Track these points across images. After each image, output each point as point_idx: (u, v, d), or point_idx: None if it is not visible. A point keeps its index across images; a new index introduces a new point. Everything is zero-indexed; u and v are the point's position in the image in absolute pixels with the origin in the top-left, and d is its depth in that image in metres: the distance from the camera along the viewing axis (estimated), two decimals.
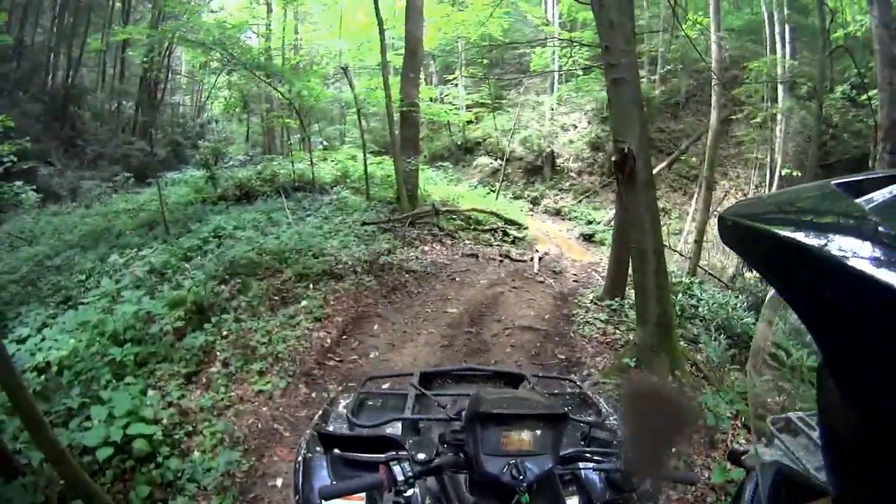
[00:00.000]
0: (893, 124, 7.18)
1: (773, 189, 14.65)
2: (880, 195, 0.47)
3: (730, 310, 7.30)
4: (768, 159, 15.31)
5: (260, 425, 4.42)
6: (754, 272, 9.75)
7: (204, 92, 28.15)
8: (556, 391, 2.37)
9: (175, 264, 7.56)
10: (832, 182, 0.53)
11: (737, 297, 8.20)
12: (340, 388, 2.47)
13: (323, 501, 1.42)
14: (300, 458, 1.71)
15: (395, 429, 1.78)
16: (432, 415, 1.82)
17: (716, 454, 4.22)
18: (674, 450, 1.93)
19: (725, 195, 15.90)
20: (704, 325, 7.03)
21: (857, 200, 0.48)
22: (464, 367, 2.54)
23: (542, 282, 8.73)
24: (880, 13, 7.26)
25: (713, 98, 11.54)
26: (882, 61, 7.24)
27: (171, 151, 24.16)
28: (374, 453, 1.49)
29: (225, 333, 5.62)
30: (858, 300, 0.41)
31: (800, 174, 14.09)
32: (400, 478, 1.34)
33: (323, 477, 1.58)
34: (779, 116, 15.14)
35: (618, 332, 6.60)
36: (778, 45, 15.57)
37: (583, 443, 1.75)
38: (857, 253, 0.41)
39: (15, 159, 11.01)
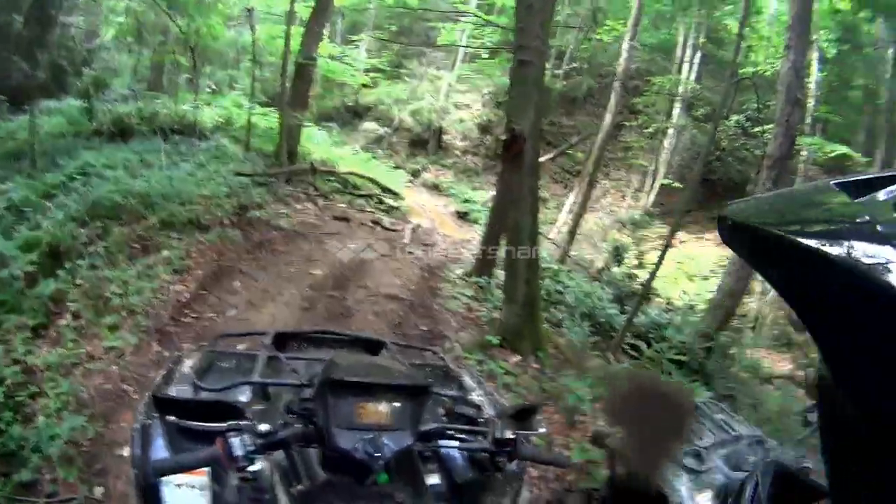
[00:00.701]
0: (782, 155, 8.10)
1: (652, 196, 15.73)
2: (880, 195, 0.48)
3: (595, 300, 7.80)
4: (652, 168, 16.35)
5: (109, 386, 4.10)
6: (621, 267, 10.54)
7: (100, 15, 25.51)
8: (417, 362, 2.23)
9: (36, 201, 6.89)
10: (832, 182, 0.53)
11: (603, 288, 8.78)
12: (193, 347, 2.35)
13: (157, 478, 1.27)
14: (138, 426, 1.48)
15: (244, 394, 1.63)
16: (284, 379, 1.66)
17: (575, 434, 4.41)
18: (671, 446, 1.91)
19: (605, 194, 16.86)
20: (569, 311, 7.41)
21: (857, 200, 0.48)
22: (322, 330, 2.40)
23: (411, 253, 8.74)
24: (794, 58, 8.07)
25: (612, 101, 12.12)
26: (785, 100, 8.08)
27: (53, 77, 21.78)
28: (215, 421, 1.29)
29: (79, 282, 5.20)
30: (858, 300, 0.41)
31: (680, 185, 15.24)
32: (238, 452, 1.17)
33: (161, 447, 1.38)
34: (670, 131, 16.16)
35: (483, 309, 6.69)
36: (685, 68, 16.61)
37: (445, 419, 1.63)
38: (857, 253, 0.41)
39: None
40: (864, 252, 0.41)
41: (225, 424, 1.25)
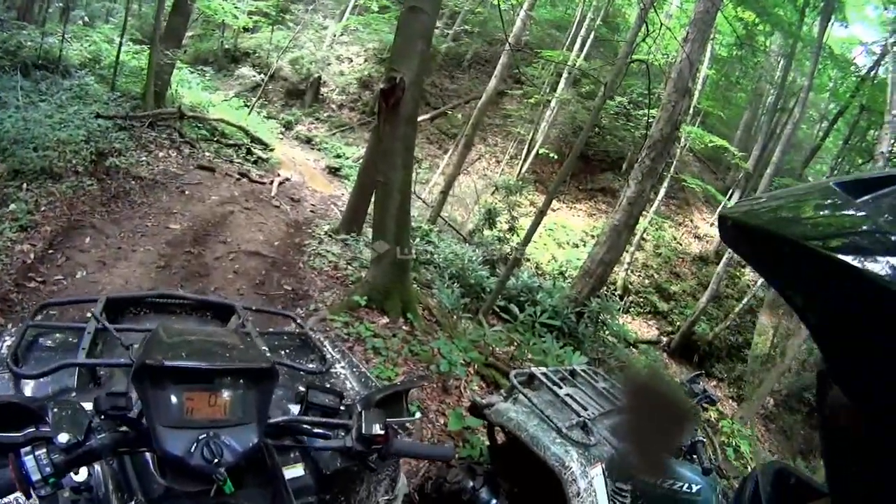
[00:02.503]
0: (663, 137, 8.57)
1: (527, 164, 16.11)
2: (881, 195, 0.46)
3: (465, 261, 7.75)
4: (529, 137, 16.67)
5: None
6: (493, 231, 10.60)
7: None
8: (272, 329, 2.06)
9: None
10: (832, 182, 0.51)
11: (473, 250, 8.77)
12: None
13: None
14: None
15: (70, 380, 1.36)
16: (112, 359, 1.40)
17: (449, 400, 4.31)
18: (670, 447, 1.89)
19: (479, 158, 17.07)
20: (439, 272, 7.35)
21: (858, 200, 0.47)
22: (163, 293, 2.08)
23: (277, 206, 8.54)
24: (691, 51, 8.52)
25: (498, 68, 12.01)
26: (673, 87, 8.58)
27: None
28: (9, 429, 0.98)
29: None
30: (859, 301, 0.41)
31: (556, 157, 15.68)
32: (35, 476, 0.88)
33: None
34: (553, 103, 16.50)
35: (350, 267, 6.53)
36: (577, 46, 16.93)
37: (300, 405, 1.38)
38: (858, 253, 0.41)
39: None
40: (866, 252, 0.41)
41: (20, 434, 0.96)
